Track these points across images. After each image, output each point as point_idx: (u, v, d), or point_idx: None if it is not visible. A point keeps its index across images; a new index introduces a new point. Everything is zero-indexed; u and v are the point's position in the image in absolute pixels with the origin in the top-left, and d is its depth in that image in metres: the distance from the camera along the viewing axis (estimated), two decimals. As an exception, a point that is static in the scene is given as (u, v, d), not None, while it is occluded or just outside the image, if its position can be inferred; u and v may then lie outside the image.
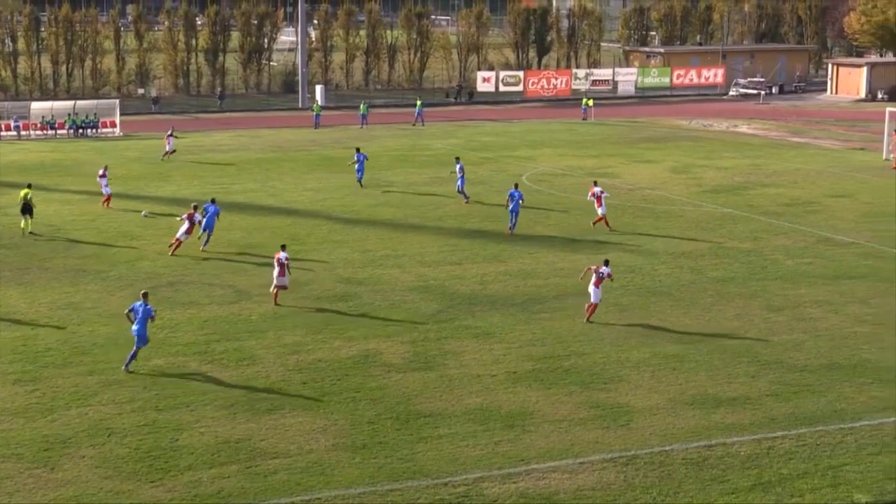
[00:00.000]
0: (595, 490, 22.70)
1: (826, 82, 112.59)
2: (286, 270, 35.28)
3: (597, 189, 46.66)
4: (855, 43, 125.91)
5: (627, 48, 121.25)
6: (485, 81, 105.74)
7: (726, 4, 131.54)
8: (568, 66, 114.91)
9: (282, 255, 35.44)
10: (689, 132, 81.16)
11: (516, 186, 46.58)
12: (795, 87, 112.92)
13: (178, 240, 42.03)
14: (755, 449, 24.49)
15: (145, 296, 29.79)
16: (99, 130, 78.38)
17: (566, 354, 30.71)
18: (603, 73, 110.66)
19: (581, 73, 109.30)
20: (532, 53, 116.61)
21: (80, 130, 77.79)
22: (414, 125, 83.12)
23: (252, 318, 33.96)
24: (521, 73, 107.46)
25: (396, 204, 52.02)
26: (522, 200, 46.13)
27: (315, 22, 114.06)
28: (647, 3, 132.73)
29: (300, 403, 27.09)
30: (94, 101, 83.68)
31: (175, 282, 38.03)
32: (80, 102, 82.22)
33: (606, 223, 46.16)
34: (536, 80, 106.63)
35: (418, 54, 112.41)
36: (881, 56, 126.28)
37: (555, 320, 33.81)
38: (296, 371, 29.34)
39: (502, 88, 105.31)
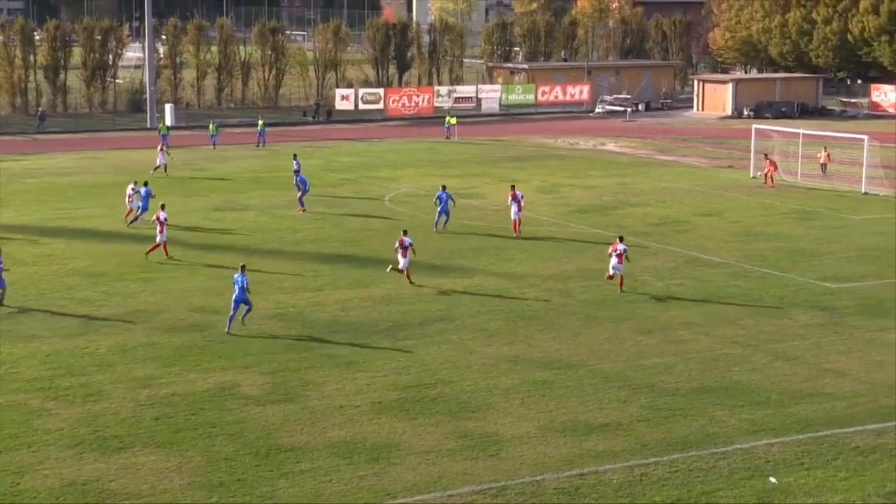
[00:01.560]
0: (465, 523, 22.76)
1: (692, 99, 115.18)
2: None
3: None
4: (720, 59, 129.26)
5: (491, 64, 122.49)
6: (343, 99, 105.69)
7: (590, 20, 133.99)
8: (430, 83, 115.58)
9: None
10: (555, 150, 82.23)
11: (444, 188, 51.02)
12: (662, 103, 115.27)
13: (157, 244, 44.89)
14: (628, 476, 24.85)
15: None
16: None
17: (432, 383, 30.78)
18: (466, 89, 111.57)
19: (443, 90, 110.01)
20: (392, 70, 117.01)
21: None
22: (257, 146, 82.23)
23: (100, 352, 33.32)
24: (381, 91, 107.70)
25: (252, 228, 51.64)
26: (452, 201, 50.89)
27: (163, 37, 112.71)
28: (510, 18, 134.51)
29: (152, 441, 26.64)
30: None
31: (16, 313, 37.13)
32: None
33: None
34: (397, 98, 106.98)
35: (273, 71, 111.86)
36: (746, 72, 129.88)
37: (420, 347, 33.87)
38: (147, 406, 28.86)
39: (362, 106, 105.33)
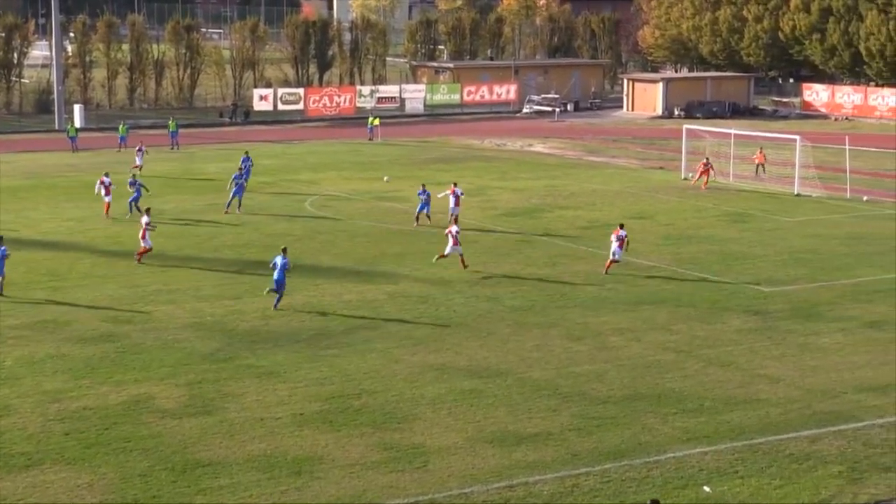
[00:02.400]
0: (391, 538, 22.72)
1: (622, 99, 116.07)
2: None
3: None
4: (650, 58, 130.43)
5: (415, 63, 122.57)
6: (262, 100, 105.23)
7: (517, 17, 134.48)
8: (352, 83, 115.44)
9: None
10: (481, 152, 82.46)
11: (423, 187, 53.53)
12: (591, 103, 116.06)
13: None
14: (558, 487, 24.95)
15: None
16: None
17: (356, 393, 30.72)
18: (389, 89, 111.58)
19: (366, 89, 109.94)
20: (313, 69, 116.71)
21: None
22: (172, 149, 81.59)
23: (6, 364, 32.86)
24: (301, 91, 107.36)
25: (168, 234, 51.20)
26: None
27: (72, 35, 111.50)
28: (434, 16, 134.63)
29: (63, 457, 26.32)
30: None
31: (-84, 326, 36.53)
32: None
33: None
34: (318, 98, 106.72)
35: (188, 70, 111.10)
36: (676, 71, 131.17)
37: (343, 357, 33.80)
38: (57, 421, 28.51)
39: (281, 107, 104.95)
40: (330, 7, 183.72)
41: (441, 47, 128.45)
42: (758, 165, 68.89)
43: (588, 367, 33.10)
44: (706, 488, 24.82)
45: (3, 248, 40.79)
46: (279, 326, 36.94)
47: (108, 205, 54.91)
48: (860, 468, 25.93)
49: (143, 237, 45.78)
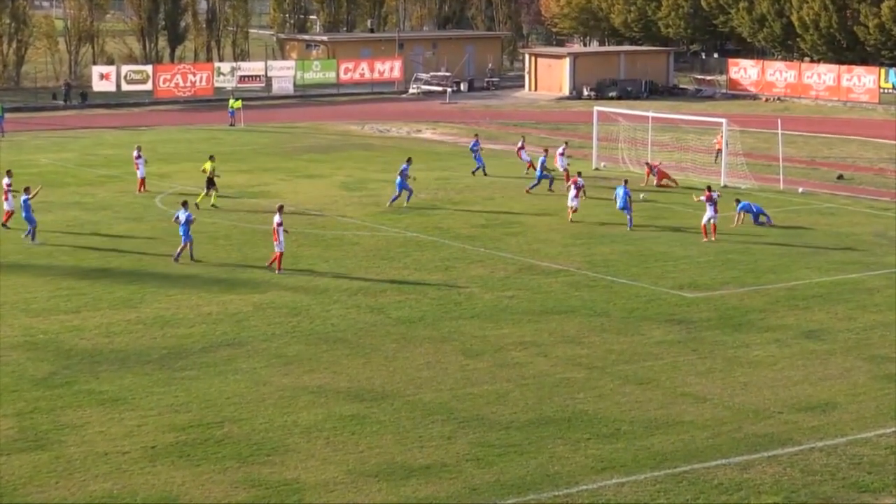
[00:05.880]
0: (260, 591, 22.62)
1: (523, 77, 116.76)
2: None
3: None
4: (554, 29, 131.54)
5: (283, 36, 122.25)
6: (103, 78, 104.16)
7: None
8: (209, 59, 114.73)
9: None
10: (362, 139, 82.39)
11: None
12: (487, 82, 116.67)
13: None
14: (455, 527, 25.03)
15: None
16: None
17: (218, 422, 30.53)
18: (253, 66, 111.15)
19: (226, 67, 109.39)
20: (163, 43, 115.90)
21: None
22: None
23: None
24: (148, 69, 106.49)
25: (-9, 237, 50.53)
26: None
27: None
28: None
29: None
30: None
31: None
32: None
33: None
34: (169, 77, 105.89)
35: (14, 45, 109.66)
36: (585, 45, 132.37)
37: (202, 379, 33.58)
38: None
39: (126, 87, 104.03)
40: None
41: (313, 17, 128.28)
42: (717, 152, 68.99)
43: (487, 387, 33.23)
44: None
45: (188, 213, 46.53)
46: (126, 344, 36.59)
47: None
48: (798, 498, 26.34)
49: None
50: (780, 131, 68.39)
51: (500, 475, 27.48)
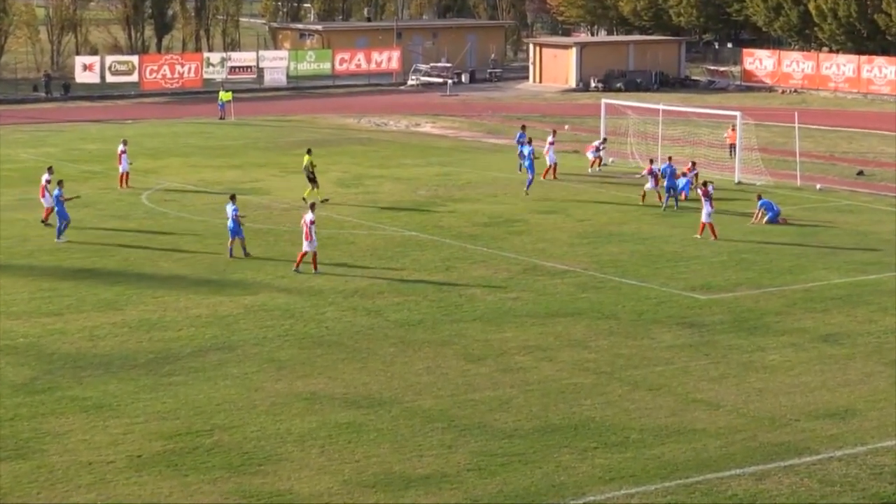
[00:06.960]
0: None
1: (527, 68, 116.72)
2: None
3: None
4: (560, 18, 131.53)
5: (275, 25, 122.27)
6: (86, 69, 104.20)
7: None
8: (198, 49, 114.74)
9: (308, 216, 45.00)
10: (358, 133, 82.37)
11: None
12: (490, 73, 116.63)
13: None
14: (456, 540, 25.05)
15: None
16: None
17: (208, 430, 30.54)
18: (244, 57, 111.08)
19: (215, 57, 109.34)
20: (149, 32, 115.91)
21: None
22: None
23: None
24: (135, 59, 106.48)
25: (-30, 236, 50.61)
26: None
27: None
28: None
29: None
30: None
31: None
32: None
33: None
34: (156, 68, 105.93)
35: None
36: (593, 35, 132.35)
37: (191, 385, 33.58)
38: None
39: (110, 78, 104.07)
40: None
41: (307, 5, 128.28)
42: (730, 146, 68.98)
43: (489, 393, 33.24)
44: None
45: (235, 207, 47.42)
46: (110, 348, 36.60)
47: None
48: (816, 510, 26.37)
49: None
50: (796, 125, 68.36)
51: (503, 486, 27.49)
